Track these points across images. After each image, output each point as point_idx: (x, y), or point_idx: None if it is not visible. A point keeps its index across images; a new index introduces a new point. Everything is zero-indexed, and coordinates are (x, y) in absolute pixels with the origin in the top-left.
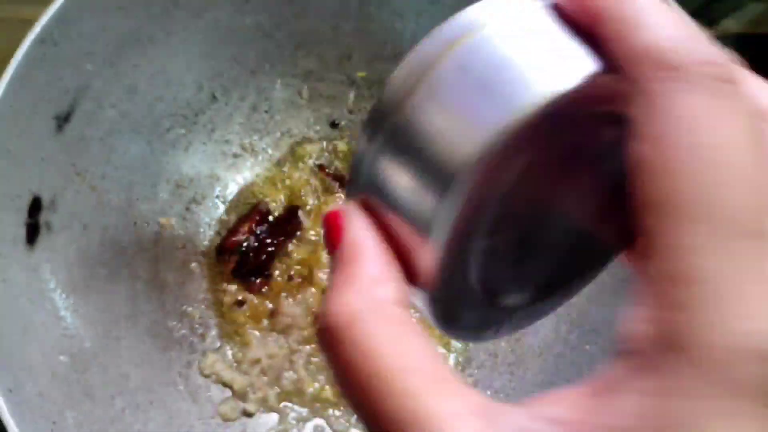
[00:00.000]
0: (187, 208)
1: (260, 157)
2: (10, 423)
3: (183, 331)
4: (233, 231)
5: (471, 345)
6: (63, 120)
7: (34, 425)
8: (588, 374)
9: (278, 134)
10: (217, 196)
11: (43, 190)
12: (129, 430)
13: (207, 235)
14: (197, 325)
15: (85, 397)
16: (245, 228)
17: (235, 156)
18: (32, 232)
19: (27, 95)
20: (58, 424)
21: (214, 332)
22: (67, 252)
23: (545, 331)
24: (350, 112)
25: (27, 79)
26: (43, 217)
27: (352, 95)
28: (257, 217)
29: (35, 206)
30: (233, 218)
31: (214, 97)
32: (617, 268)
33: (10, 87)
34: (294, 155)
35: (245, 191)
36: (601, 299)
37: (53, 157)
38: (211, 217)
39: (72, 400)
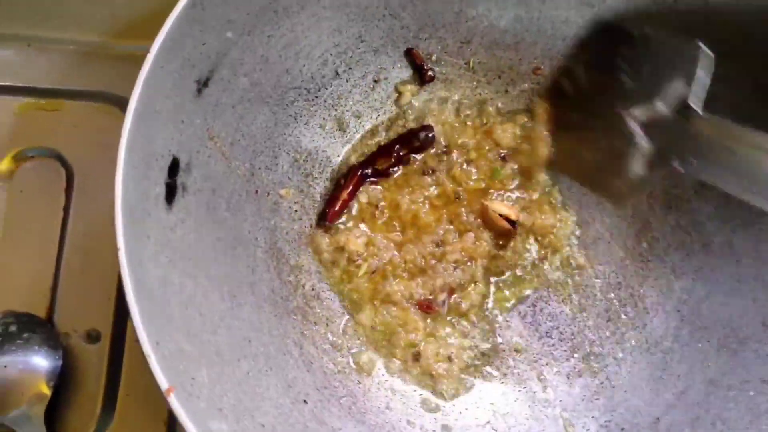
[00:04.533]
0: (305, 181)
1: (375, 136)
2: (159, 375)
3: (297, 301)
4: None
5: (575, 335)
6: (203, 84)
7: (177, 378)
8: (700, 372)
9: (394, 114)
10: (332, 172)
11: (181, 152)
12: (253, 392)
13: (321, 208)
14: (310, 297)
15: (216, 357)
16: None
17: (352, 133)
18: (171, 193)
19: (176, 57)
20: (196, 380)
21: (325, 304)
22: (198, 214)
23: (653, 326)
24: (466, 97)
25: (177, 42)
26: (180, 178)
27: (468, 80)
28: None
29: (174, 167)
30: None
31: (337, 74)
32: (731, 267)
33: (163, 47)
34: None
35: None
36: (714, 298)
37: (191, 120)
38: (326, 192)
39: (206, 358)
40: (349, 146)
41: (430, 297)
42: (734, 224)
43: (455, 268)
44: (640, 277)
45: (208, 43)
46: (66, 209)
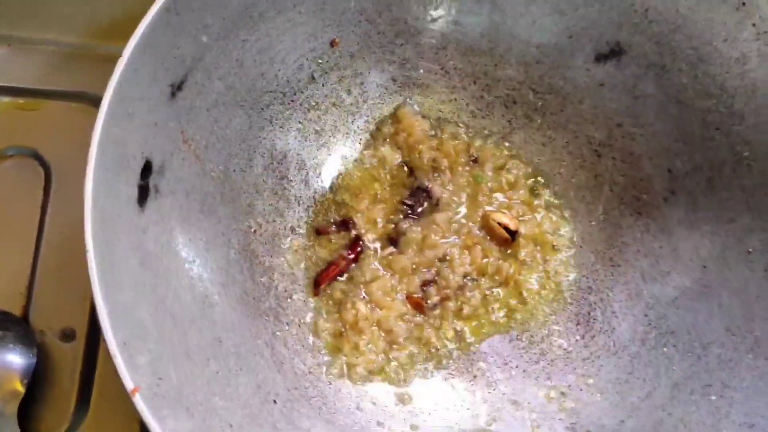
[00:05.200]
0: (279, 184)
1: (351, 140)
2: (124, 375)
3: (270, 303)
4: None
5: (544, 339)
6: (177, 88)
7: (143, 378)
8: (665, 376)
9: (369, 118)
10: (308, 175)
11: (154, 155)
12: (222, 392)
13: (296, 211)
14: (282, 298)
15: (185, 358)
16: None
17: (328, 137)
18: (143, 194)
19: (149, 60)
20: (163, 380)
21: (298, 305)
22: (170, 216)
23: (621, 330)
24: (442, 102)
25: (151, 45)
26: (153, 180)
27: (444, 85)
28: (350, 254)
29: (147, 169)
30: (323, 197)
31: (312, 78)
32: (698, 273)
33: (136, 50)
34: (383, 138)
35: (335, 173)
36: (680, 303)
37: (165, 123)
38: (301, 194)
39: (175, 358)
40: (324, 150)
41: (422, 295)
42: (702, 231)
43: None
44: (610, 282)
45: (183, 47)
46: (43, 208)
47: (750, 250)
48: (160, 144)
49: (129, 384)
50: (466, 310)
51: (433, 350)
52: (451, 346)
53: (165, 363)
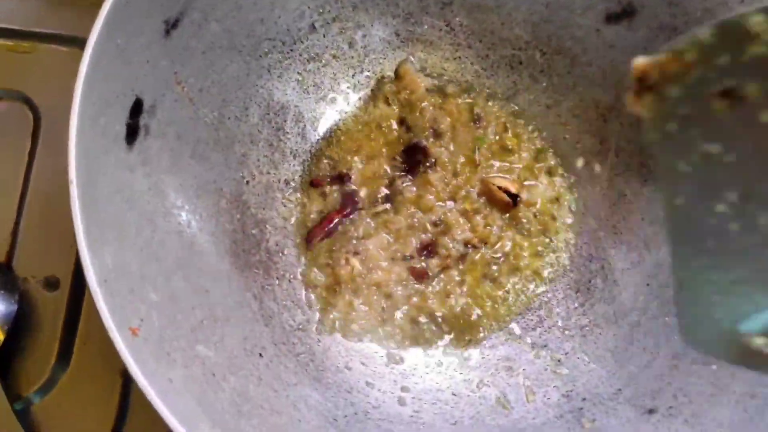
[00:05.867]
0: (275, 135)
1: (350, 94)
2: (104, 312)
3: (260, 256)
4: (324, 223)
5: (542, 305)
6: (171, 26)
7: (124, 317)
8: (665, 345)
9: (370, 73)
10: (305, 128)
11: (145, 93)
12: (207, 340)
13: (291, 164)
14: (274, 252)
15: (170, 302)
16: (335, 218)
17: (327, 90)
18: (132, 133)
19: None
20: (145, 322)
21: (290, 260)
22: (160, 158)
23: (622, 298)
24: (446, 59)
25: None
26: (143, 120)
27: (449, 43)
28: (344, 210)
29: (137, 108)
30: (320, 151)
31: (313, 28)
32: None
33: None
34: (383, 95)
35: (332, 127)
36: None
37: (158, 61)
38: (297, 147)
39: (158, 302)
40: (323, 103)
41: (424, 265)
42: None
43: (465, 244)
44: (612, 250)
45: None
46: (31, 154)
47: None
48: (152, 83)
49: (109, 324)
50: (468, 279)
51: (431, 317)
52: (449, 312)
53: (147, 306)
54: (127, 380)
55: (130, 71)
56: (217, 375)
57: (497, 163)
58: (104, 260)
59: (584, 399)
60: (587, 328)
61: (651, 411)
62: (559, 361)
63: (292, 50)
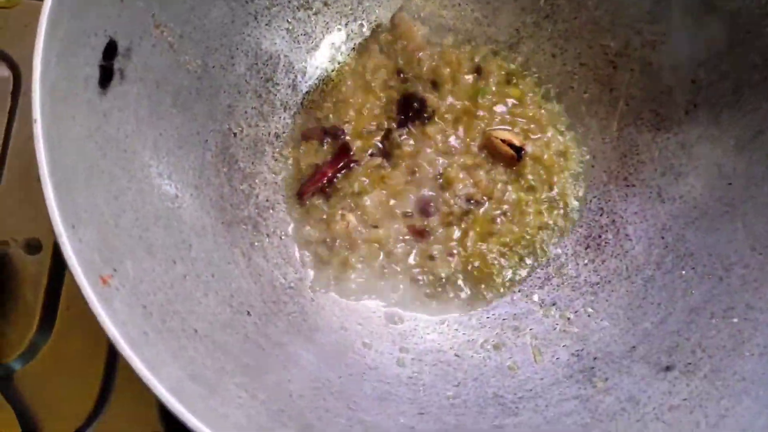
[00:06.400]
0: (264, 87)
1: (344, 45)
2: (69, 256)
3: (249, 211)
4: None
5: (549, 262)
6: None
7: (94, 266)
8: (681, 300)
9: (364, 22)
10: (295, 79)
11: (119, 35)
12: (188, 295)
13: (282, 117)
14: (264, 208)
15: (146, 254)
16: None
17: (318, 40)
18: (105, 76)
19: None
20: (119, 272)
21: (281, 216)
22: (138, 105)
23: (634, 253)
24: (444, 6)
25: None
26: (118, 63)
27: None
28: (338, 163)
29: (110, 50)
30: (312, 103)
31: None
32: (722, 191)
33: None
34: (379, 45)
35: (325, 78)
36: (700, 224)
37: (132, 1)
38: (287, 99)
39: (133, 253)
40: (314, 53)
41: (425, 222)
42: (726, 146)
43: (468, 200)
44: (624, 203)
45: None
46: (11, 112)
47: None
48: (127, 24)
49: (76, 270)
50: (472, 235)
51: (433, 276)
52: (452, 271)
53: (121, 255)
54: (114, 347)
55: (101, 9)
56: (199, 331)
57: (500, 116)
58: (73, 204)
59: (596, 358)
60: (598, 284)
61: (668, 368)
62: (568, 319)
63: None
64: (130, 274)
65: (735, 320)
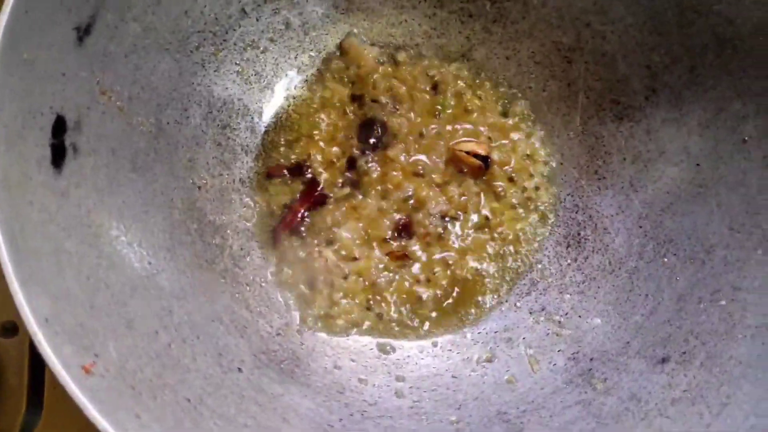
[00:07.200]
0: (222, 134)
1: (296, 78)
2: (48, 354)
3: (225, 264)
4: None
5: (533, 267)
6: (83, 32)
7: (75, 357)
8: (668, 288)
9: (314, 52)
10: (253, 121)
11: (66, 110)
12: (177, 364)
13: (245, 161)
14: (239, 257)
15: (127, 330)
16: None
17: (270, 77)
18: (58, 154)
19: (44, 1)
20: (101, 357)
21: (258, 263)
22: (96, 177)
23: (615, 246)
24: (392, 25)
25: None
26: (69, 138)
27: (392, 7)
28: (308, 199)
29: (59, 126)
30: (272, 142)
31: (244, 12)
32: (691, 173)
33: None
34: (331, 73)
35: (282, 114)
36: (676, 208)
37: (75, 73)
38: (248, 143)
39: (114, 332)
40: (268, 91)
41: (404, 248)
42: (690, 127)
43: (442, 217)
44: (597, 197)
45: None
46: None
47: (745, 138)
48: (72, 97)
49: (56, 365)
50: (452, 253)
51: (419, 300)
52: (438, 292)
53: (101, 337)
54: None
55: (44, 87)
56: (192, 399)
57: (462, 128)
58: (44, 295)
59: (592, 359)
60: (584, 283)
61: (664, 360)
62: (559, 322)
63: (225, 40)
64: (113, 355)
65: (723, 303)
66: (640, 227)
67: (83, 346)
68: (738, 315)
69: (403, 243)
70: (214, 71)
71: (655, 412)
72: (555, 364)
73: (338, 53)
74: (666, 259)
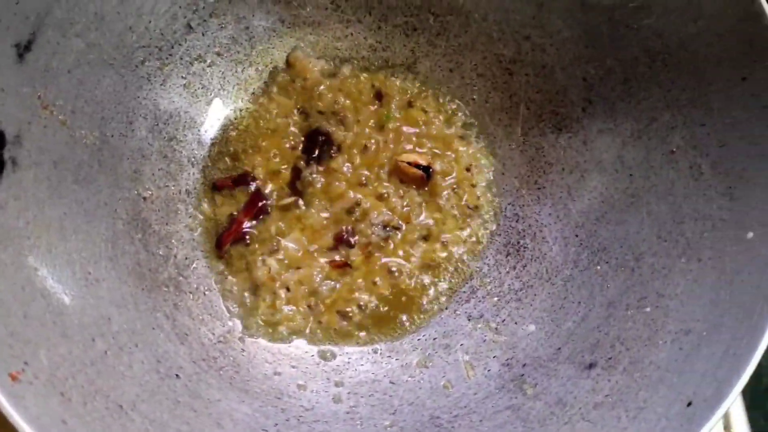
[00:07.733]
0: (168, 146)
1: (242, 91)
2: None
3: (169, 273)
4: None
5: (473, 275)
6: (24, 49)
7: (3, 365)
8: (599, 295)
9: (260, 66)
10: (199, 133)
11: (5, 124)
12: (112, 372)
13: (191, 173)
14: (183, 267)
15: (62, 338)
16: (244, 220)
17: (217, 90)
18: None
19: None
20: (30, 365)
21: (202, 272)
22: (36, 189)
23: (552, 254)
24: (337, 39)
25: None
26: (8, 152)
27: (337, 21)
28: (252, 209)
29: None
30: (219, 154)
31: (190, 27)
32: (625, 182)
33: None
34: (277, 86)
35: (228, 127)
36: (610, 217)
37: (15, 88)
38: (194, 155)
39: (48, 341)
40: (215, 104)
41: (346, 258)
42: (624, 137)
43: (384, 227)
44: (537, 206)
45: (23, 2)
46: None
47: (673, 149)
48: (12, 112)
49: None
50: (393, 261)
51: (360, 307)
52: (379, 300)
53: (33, 346)
54: None
55: None
56: (125, 405)
57: (406, 139)
58: None
59: (524, 365)
60: (521, 290)
61: (591, 365)
62: (496, 329)
63: (170, 55)
64: (44, 363)
65: (648, 309)
66: (576, 236)
67: (12, 355)
68: (660, 321)
69: (345, 252)
70: (160, 85)
71: (578, 416)
72: (489, 370)
73: (284, 66)
74: (599, 267)
